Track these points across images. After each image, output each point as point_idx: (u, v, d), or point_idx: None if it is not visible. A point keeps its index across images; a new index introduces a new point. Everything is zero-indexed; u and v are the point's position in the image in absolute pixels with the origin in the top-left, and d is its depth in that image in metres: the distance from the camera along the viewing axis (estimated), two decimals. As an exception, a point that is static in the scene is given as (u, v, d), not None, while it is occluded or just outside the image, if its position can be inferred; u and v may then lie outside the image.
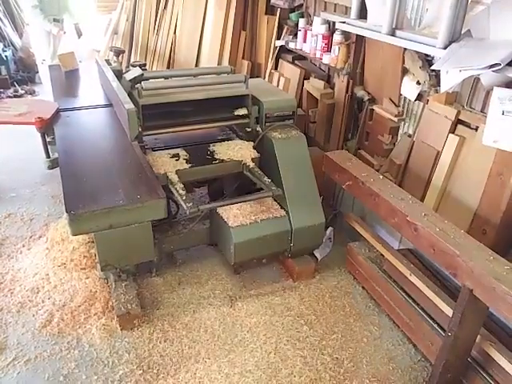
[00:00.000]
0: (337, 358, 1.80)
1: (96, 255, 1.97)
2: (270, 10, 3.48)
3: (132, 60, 3.98)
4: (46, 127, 2.16)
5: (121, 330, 1.86)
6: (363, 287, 2.17)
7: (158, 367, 1.72)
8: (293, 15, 3.15)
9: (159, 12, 3.91)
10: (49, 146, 2.26)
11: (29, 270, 2.16)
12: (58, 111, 2.27)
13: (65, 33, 4.31)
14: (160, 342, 1.83)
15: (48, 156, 2.26)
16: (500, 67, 1.50)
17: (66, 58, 2.92)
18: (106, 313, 1.92)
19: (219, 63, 3.63)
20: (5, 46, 5.04)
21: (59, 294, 2.02)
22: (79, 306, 1.95)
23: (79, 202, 1.58)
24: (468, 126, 1.97)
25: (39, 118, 2.12)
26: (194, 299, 2.07)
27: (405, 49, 2.14)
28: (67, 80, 2.85)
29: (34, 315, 1.92)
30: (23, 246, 2.37)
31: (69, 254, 2.17)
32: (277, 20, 3.35)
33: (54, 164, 2.22)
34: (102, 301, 1.97)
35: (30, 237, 2.45)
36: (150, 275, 2.19)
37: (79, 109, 2.36)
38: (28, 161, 3.17)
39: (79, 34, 4.49)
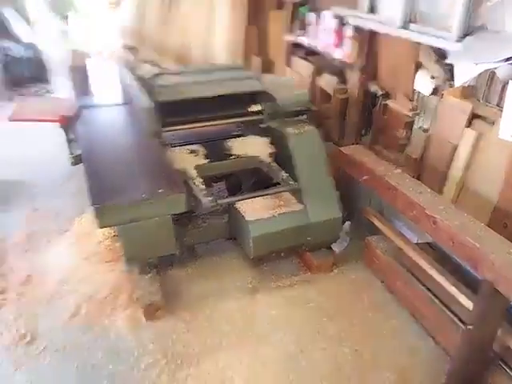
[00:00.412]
0: (356, 350, 1.82)
1: (120, 248, 2.03)
2: (281, 5, 3.46)
3: (143, 56, 4.00)
4: (69, 124, 2.23)
5: (145, 320, 1.92)
6: (381, 281, 2.18)
7: (182, 357, 1.77)
8: (303, 9, 3.13)
9: (169, 8, 3.91)
10: (72, 143, 2.33)
11: (56, 263, 2.24)
12: (79, 109, 2.33)
13: (75, 29, 4.36)
14: (183, 333, 1.88)
15: (71, 152, 2.34)
16: (518, 60, 1.49)
17: (78, 55, 2.97)
18: (131, 304, 1.98)
19: (231, 60, 3.64)
20: (21, 46, 5.14)
21: (86, 287, 2.08)
22: (105, 298, 2.01)
23: (104, 196, 1.64)
24: (484, 119, 1.94)
25: (63, 115, 2.19)
26: (215, 291, 2.12)
27: (418, 43, 2.11)
28: (85, 78, 2.91)
29: (62, 307, 1.99)
30: (49, 240, 2.45)
31: (94, 248, 2.24)
32: (288, 15, 3.33)
33: (77, 160, 2.30)
34: (127, 293, 2.02)
35: (56, 231, 2.52)
36: (172, 268, 2.24)
37: (99, 106, 2.42)
38: (52, 157, 3.22)
39: (88, 31, 4.52)
